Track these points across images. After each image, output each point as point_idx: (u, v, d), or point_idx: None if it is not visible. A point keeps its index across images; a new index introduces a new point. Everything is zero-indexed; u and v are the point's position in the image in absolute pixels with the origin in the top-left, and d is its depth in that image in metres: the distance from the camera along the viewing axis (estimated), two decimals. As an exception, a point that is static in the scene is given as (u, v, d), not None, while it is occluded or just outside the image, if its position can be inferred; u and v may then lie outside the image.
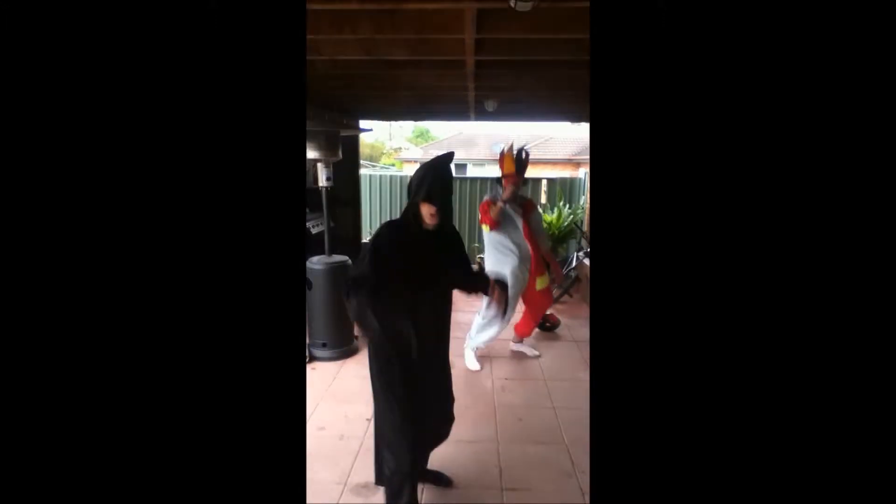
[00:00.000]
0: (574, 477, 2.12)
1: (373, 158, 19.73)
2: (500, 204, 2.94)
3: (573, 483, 2.08)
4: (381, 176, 7.38)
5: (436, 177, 1.54)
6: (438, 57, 2.48)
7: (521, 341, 3.48)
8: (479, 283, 1.85)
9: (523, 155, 2.99)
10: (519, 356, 3.45)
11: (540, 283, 3.33)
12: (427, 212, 1.55)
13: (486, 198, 3.10)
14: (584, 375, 3.16)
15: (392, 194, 7.20)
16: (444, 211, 1.56)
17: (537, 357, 3.39)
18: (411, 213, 1.59)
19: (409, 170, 15.44)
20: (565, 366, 3.30)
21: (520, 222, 3.10)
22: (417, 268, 1.62)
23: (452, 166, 1.66)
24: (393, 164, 17.82)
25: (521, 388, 2.97)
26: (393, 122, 19.93)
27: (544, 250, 3.29)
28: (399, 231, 1.63)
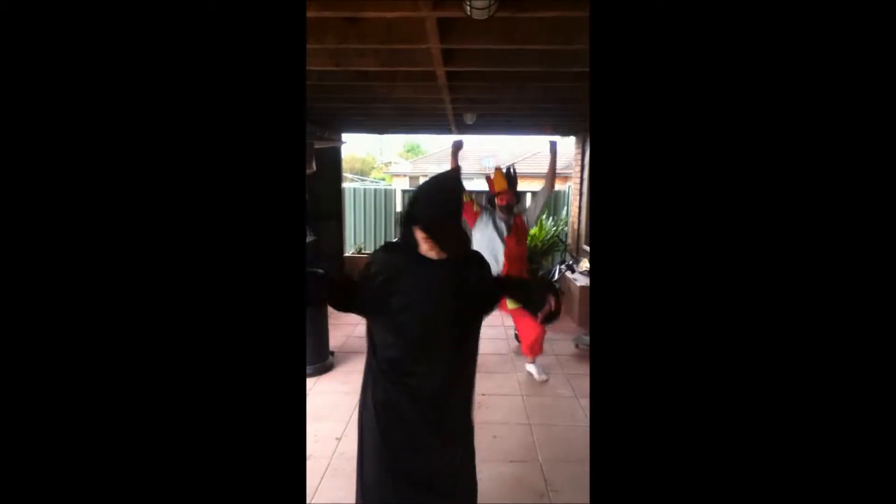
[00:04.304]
0: (547, 496, 2.05)
1: (363, 172, 19.79)
2: (478, 209, 3.12)
3: (545, 502, 2.01)
4: (365, 189, 7.35)
5: (428, 198, 1.26)
6: (409, 68, 2.46)
7: (532, 361, 3.28)
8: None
9: (512, 171, 3.14)
10: (506, 369, 3.39)
11: (512, 303, 3.04)
12: (420, 237, 1.29)
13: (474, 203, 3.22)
14: (564, 391, 3.10)
15: (378, 208, 7.17)
16: (443, 239, 1.27)
17: (545, 381, 3.20)
18: (406, 237, 1.32)
19: (398, 183, 15.44)
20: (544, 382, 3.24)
21: (502, 234, 3.14)
22: (417, 303, 1.31)
23: (457, 184, 1.36)
24: (383, 179, 17.88)
25: (498, 405, 2.91)
26: (384, 137, 20.08)
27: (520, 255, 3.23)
28: (396, 256, 1.35)
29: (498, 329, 4.14)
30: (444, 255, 1.30)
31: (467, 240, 1.37)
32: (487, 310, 1.47)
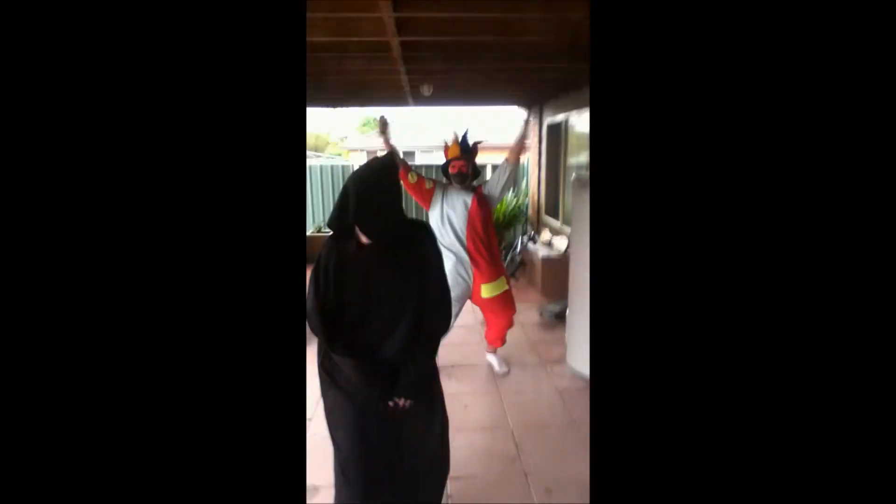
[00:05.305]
0: (518, 461, 2.13)
1: (318, 148, 19.16)
2: (413, 176, 2.73)
3: (517, 467, 2.09)
4: (321, 166, 7.13)
5: (355, 191, 1.26)
6: (360, 38, 2.36)
7: (493, 351, 3.07)
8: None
9: (468, 138, 2.74)
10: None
11: (487, 291, 2.82)
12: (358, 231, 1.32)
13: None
14: (531, 359, 3.19)
15: (336, 185, 6.98)
16: (371, 231, 1.30)
17: (505, 374, 2.99)
18: (342, 230, 1.35)
19: (356, 158, 15.04)
20: (511, 350, 3.31)
21: (464, 211, 2.74)
22: (359, 297, 1.37)
23: (385, 172, 1.33)
24: (339, 154, 17.37)
25: (466, 375, 2.97)
26: (338, 111, 19.42)
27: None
28: (335, 248, 1.37)
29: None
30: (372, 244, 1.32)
31: (400, 225, 1.37)
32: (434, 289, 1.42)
